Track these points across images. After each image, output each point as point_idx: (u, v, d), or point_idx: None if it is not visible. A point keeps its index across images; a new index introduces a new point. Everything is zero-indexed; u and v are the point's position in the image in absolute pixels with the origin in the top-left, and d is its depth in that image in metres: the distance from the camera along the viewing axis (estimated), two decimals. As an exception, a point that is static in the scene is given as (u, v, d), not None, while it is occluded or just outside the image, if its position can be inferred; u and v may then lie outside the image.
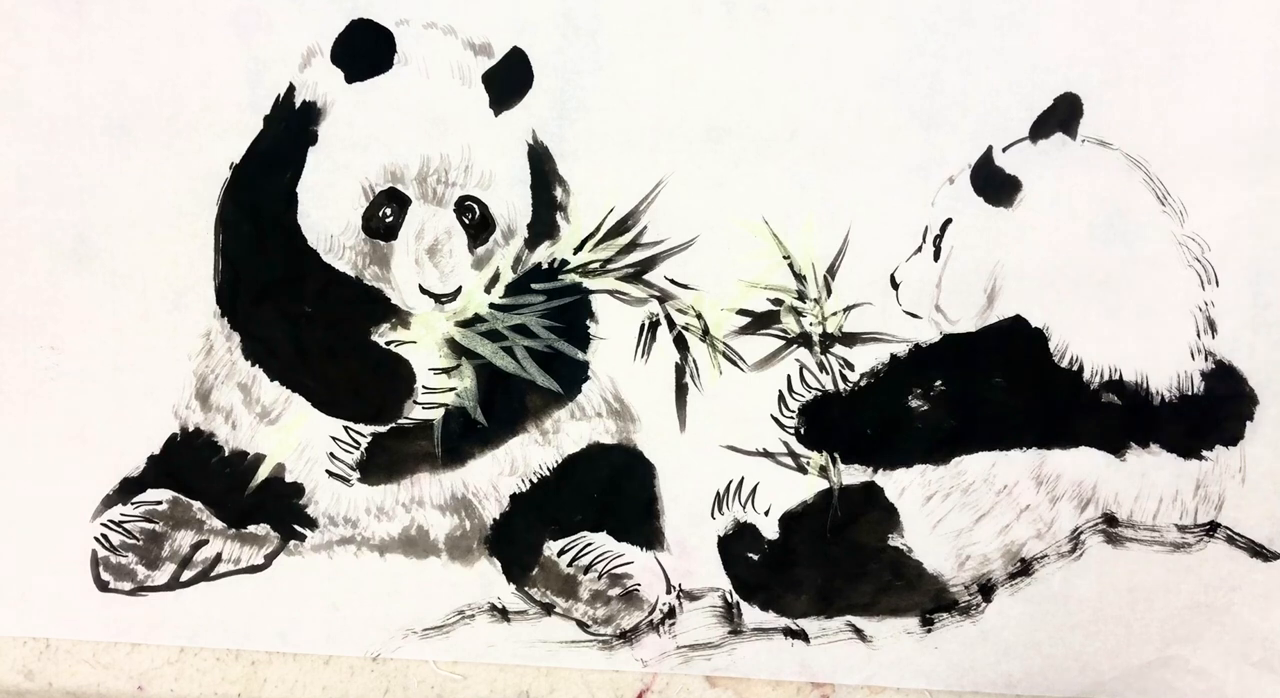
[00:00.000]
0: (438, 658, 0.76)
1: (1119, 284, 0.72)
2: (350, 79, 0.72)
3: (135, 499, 0.76)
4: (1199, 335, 0.72)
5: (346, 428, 0.75)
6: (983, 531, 0.73)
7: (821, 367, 0.74)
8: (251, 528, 0.76)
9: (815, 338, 0.74)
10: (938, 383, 0.73)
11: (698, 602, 0.75)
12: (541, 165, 0.73)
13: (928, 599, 0.74)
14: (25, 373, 0.76)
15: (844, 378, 0.74)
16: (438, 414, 0.74)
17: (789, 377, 0.74)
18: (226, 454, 0.75)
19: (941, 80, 0.71)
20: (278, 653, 0.77)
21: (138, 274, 0.74)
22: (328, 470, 0.75)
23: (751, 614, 0.75)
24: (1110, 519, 0.73)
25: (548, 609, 0.76)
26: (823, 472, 0.74)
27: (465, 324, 0.74)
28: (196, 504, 0.76)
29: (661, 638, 0.75)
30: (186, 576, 0.76)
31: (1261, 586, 0.73)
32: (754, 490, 0.74)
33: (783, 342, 0.74)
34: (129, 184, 0.74)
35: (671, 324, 0.74)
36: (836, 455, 0.74)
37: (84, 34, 0.73)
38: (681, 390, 0.74)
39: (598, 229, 0.74)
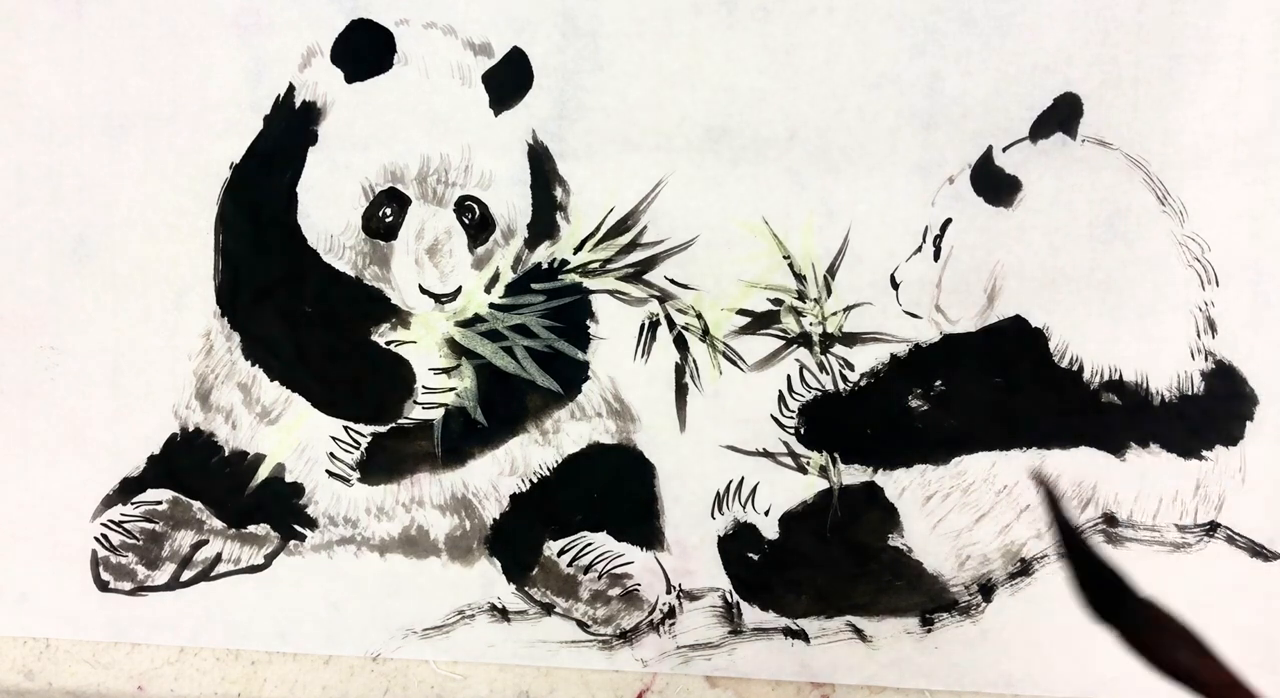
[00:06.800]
0: (438, 658, 0.76)
1: (1119, 284, 0.72)
2: (350, 79, 0.72)
3: (135, 499, 0.76)
4: (1199, 335, 0.72)
5: (346, 428, 0.75)
6: (983, 531, 0.73)
7: (821, 367, 0.74)
8: (251, 528, 0.76)
9: (815, 338, 0.74)
10: (938, 383, 0.73)
11: (698, 602, 0.75)
12: (541, 165, 0.73)
13: (928, 599, 0.74)
14: (25, 373, 0.76)
15: (844, 378, 0.74)
16: (438, 414, 0.74)
17: (789, 377, 0.74)
18: (226, 454, 0.75)
19: (941, 80, 0.71)
20: (278, 653, 0.77)
21: (138, 274, 0.75)
22: (328, 470, 0.75)
23: (751, 614, 0.75)
24: (1110, 519, 0.73)
25: (548, 609, 0.75)
26: (823, 472, 0.74)
27: (465, 324, 0.74)
28: (196, 504, 0.76)
29: (661, 638, 0.75)
30: (186, 576, 0.76)
31: (1261, 586, 0.73)
32: (754, 490, 0.74)
33: (783, 342, 0.74)
34: (129, 184, 0.74)
35: (671, 324, 0.74)
36: (836, 455, 0.74)
37: (84, 34, 0.73)
38: (681, 390, 0.74)
39: (598, 229, 0.74)
